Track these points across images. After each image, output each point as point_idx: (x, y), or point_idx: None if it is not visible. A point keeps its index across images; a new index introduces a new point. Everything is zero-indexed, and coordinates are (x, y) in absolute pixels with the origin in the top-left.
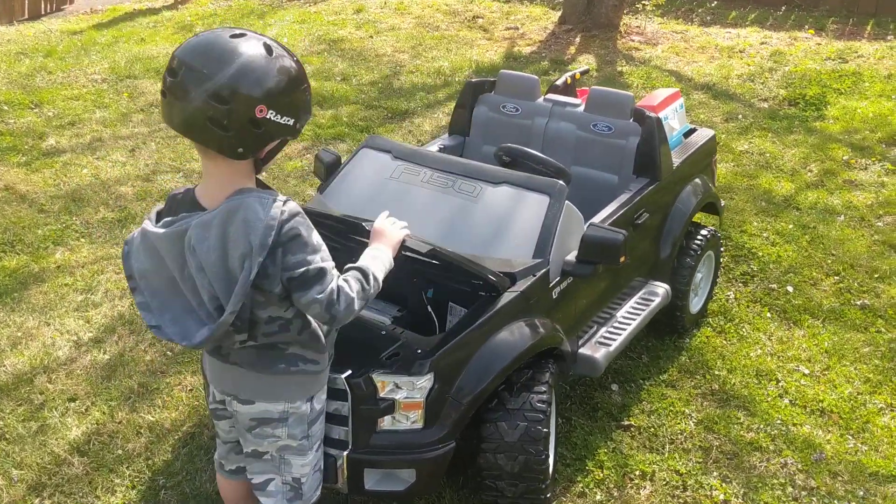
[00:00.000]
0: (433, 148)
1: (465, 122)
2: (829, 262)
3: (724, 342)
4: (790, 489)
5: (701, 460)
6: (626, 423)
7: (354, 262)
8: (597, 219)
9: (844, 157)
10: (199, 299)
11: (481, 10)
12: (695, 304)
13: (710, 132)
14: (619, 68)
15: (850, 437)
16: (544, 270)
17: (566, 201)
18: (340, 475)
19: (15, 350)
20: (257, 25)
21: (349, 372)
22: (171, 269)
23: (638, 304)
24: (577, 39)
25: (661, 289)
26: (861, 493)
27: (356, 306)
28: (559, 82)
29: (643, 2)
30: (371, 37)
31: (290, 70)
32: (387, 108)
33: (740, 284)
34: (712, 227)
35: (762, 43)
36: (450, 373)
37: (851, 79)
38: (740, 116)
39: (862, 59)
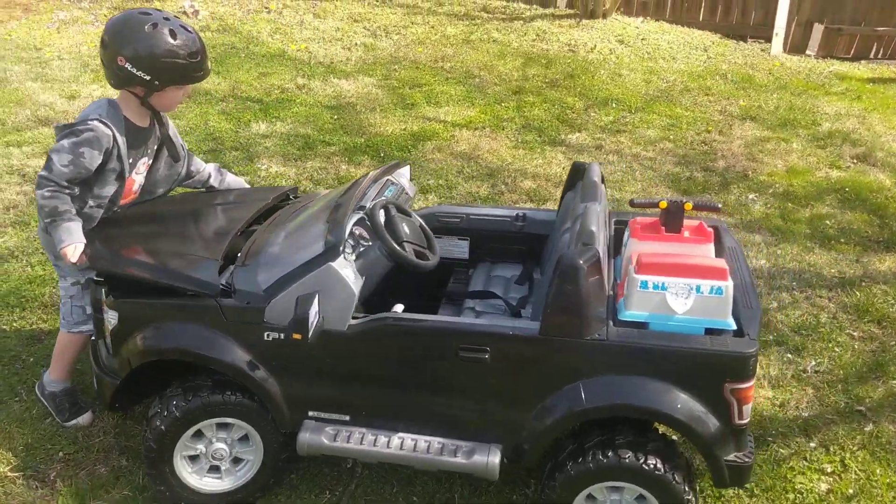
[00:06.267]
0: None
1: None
2: None
3: None
4: None
5: None
6: None
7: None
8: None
9: None
10: None
11: None
12: None
13: (751, 348)
14: None
15: None
16: (256, 305)
17: (331, 265)
18: None
19: None
20: None
21: None
22: None
23: (436, 443)
24: None
25: (481, 458)
26: None
27: (40, 202)
28: (641, 200)
29: None
30: None
31: (163, 45)
32: None
33: None
34: (664, 459)
35: None
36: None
37: None
38: None
39: None
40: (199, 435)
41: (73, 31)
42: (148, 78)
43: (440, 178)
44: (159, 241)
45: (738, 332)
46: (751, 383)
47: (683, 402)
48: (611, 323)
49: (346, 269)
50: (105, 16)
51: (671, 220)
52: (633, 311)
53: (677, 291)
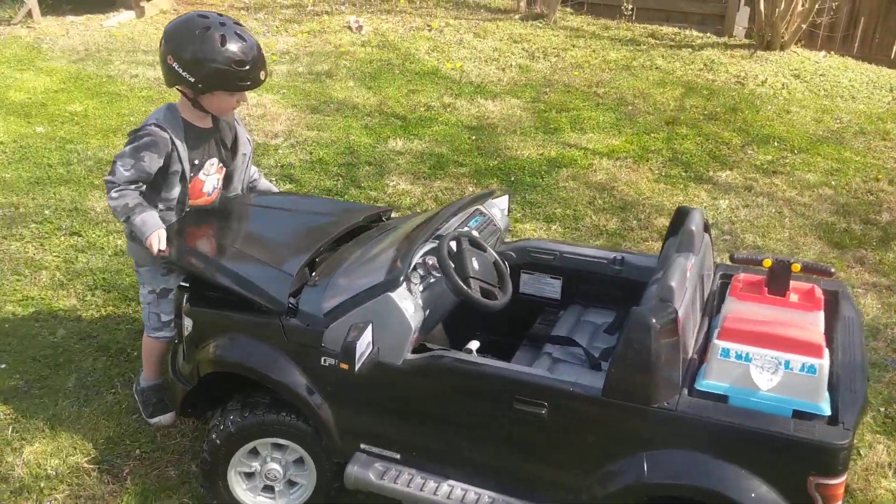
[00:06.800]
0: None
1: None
2: None
3: None
4: None
5: None
6: None
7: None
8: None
9: None
10: None
11: None
12: None
13: (843, 440)
14: None
15: None
16: (315, 328)
17: (389, 296)
18: None
19: None
20: None
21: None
22: None
23: (486, 497)
24: None
25: None
26: None
27: (111, 204)
28: (743, 255)
29: None
30: None
31: (209, 50)
32: None
33: None
34: None
35: None
36: None
37: None
38: None
39: None
40: (255, 453)
41: None
42: (192, 80)
43: (568, 207)
44: (242, 244)
45: (833, 419)
46: (841, 480)
47: (760, 493)
48: (686, 391)
49: (406, 301)
50: (277, 27)
51: (776, 280)
52: (712, 381)
53: (763, 364)
